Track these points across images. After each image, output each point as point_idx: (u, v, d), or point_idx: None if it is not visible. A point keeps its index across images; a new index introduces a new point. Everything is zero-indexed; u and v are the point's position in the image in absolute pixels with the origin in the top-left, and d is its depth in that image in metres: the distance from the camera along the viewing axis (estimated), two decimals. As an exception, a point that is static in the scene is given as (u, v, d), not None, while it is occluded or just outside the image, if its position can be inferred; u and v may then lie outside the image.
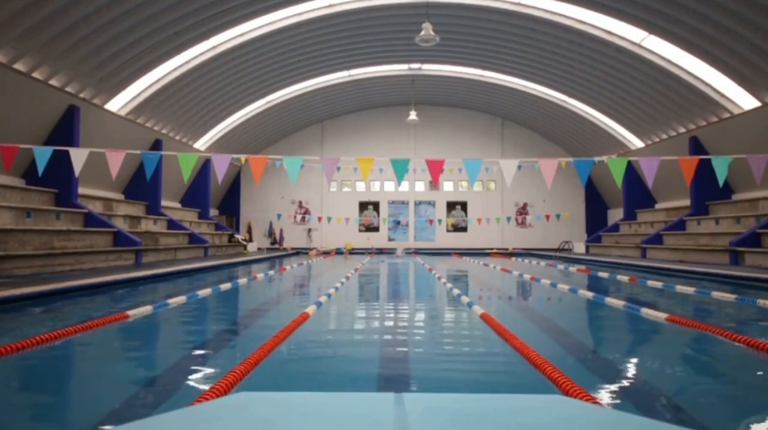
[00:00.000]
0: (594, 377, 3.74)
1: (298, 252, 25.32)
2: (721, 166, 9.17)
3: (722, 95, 15.44)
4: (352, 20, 16.68)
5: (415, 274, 14.06)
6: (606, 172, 20.30)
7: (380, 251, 25.72)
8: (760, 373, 4.06)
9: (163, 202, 18.86)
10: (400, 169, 8.93)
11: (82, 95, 13.70)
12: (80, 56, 12.45)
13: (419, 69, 22.27)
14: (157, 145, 18.01)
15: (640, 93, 17.81)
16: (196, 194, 22.36)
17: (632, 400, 3.23)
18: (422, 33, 13.38)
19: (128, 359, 4.60)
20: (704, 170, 10.71)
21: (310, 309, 6.37)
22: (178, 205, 21.54)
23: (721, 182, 9.49)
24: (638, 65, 16.33)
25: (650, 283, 10.13)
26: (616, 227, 22.79)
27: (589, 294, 8.56)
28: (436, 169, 9.09)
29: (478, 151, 25.65)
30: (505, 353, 4.40)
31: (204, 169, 21.68)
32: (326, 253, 24.58)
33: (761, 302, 7.12)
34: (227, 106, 20.28)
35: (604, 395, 3.27)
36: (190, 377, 3.73)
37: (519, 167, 9.44)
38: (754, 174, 9.17)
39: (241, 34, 16.06)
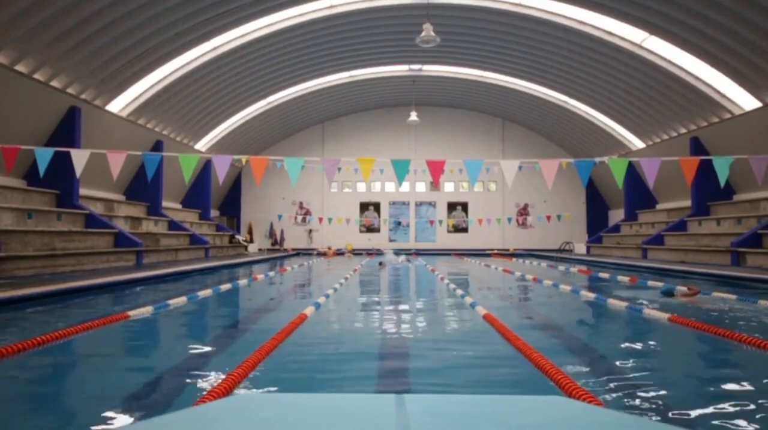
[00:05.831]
0: (596, 378, 3.74)
1: (299, 253, 25.30)
2: (722, 167, 9.16)
3: (723, 96, 15.43)
4: (353, 21, 16.70)
5: (416, 274, 14.04)
6: (607, 173, 20.28)
7: (381, 252, 25.69)
8: (761, 373, 4.05)
9: (164, 203, 18.87)
10: (401, 169, 8.93)
11: (83, 96, 13.72)
12: (82, 58, 12.47)
13: (420, 70, 22.28)
14: (158, 146, 18.02)
15: (640, 93, 17.80)
16: (197, 195, 22.37)
17: (633, 401, 3.22)
18: (423, 34, 13.37)
19: (129, 359, 4.60)
20: (705, 171, 10.70)
21: (309, 310, 6.37)
22: (179, 207, 21.55)
23: (722, 183, 9.48)
24: (639, 66, 16.33)
25: (651, 283, 10.12)
26: (617, 228, 22.77)
27: (591, 295, 8.56)
28: (436, 169, 9.09)
29: (478, 152, 25.64)
30: (508, 353, 4.39)
31: (205, 170, 21.69)
32: (325, 254, 24.51)
33: (762, 302, 7.11)
34: (228, 107, 20.30)
35: (606, 395, 3.26)
36: (190, 378, 3.73)
37: (520, 168, 9.44)
38: (755, 174, 9.17)
39: (243, 35, 16.07)
